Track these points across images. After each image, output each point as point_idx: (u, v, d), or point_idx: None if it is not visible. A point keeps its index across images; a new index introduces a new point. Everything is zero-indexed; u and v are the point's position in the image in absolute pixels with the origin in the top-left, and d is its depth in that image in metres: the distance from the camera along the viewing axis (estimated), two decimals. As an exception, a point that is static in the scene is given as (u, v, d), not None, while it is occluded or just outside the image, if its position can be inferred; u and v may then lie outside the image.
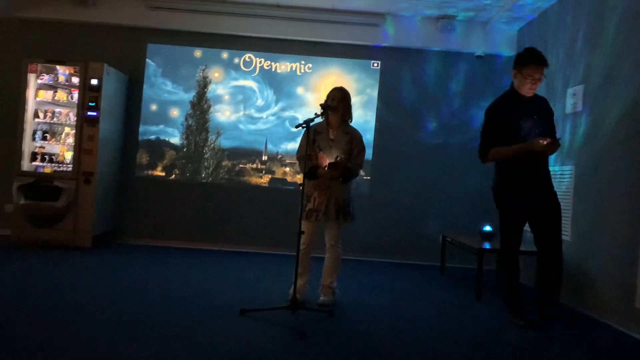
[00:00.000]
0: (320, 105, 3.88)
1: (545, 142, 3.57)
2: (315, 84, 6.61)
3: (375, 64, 6.61)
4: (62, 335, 2.92)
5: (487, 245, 4.82)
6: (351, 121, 4.12)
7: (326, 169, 3.87)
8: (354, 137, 4.04)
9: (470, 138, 6.51)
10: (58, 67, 5.92)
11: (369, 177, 6.52)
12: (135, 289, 4.11)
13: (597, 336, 3.69)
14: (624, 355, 3.32)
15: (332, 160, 3.90)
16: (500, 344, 3.38)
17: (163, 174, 6.60)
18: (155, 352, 2.76)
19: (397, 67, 6.58)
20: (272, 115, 6.63)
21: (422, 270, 5.95)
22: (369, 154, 6.12)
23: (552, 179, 3.88)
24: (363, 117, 6.46)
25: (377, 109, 6.59)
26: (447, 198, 6.51)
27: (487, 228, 5.36)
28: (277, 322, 3.44)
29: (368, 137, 6.37)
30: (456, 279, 5.56)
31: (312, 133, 3.96)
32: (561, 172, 4.95)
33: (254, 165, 6.64)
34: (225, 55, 6.62)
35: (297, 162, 4.13)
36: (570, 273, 4.47)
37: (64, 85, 5.95)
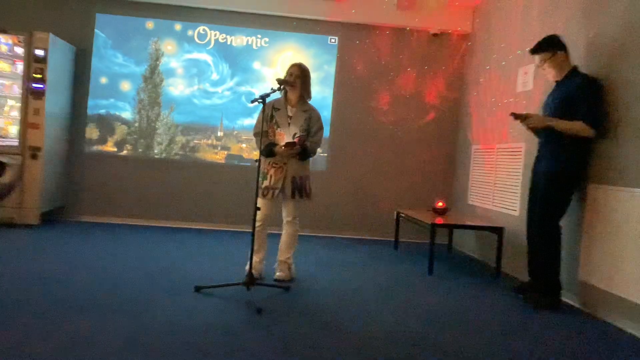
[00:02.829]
0: (277, 80, 3.86)
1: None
2: (272, 59, 6.54)
3: (333, 40, 6.59)
4: (7, 315, 2.85)
5: (439, 221, 4.95)
6: (310, 99, 4.11)
7: (283, 147, 3.87)
8: (313, 116, 4.04)
9: (423, 115, 6.64)
10: (0, 36, 5.63)
11: (325, 154, 6.55)
12: (85, 267, 4.03)
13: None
14: (569, 326, 3.50)
15: (290, 137, 3.90)
16: (450, 314, 3.51)
17: (114, 149, 6.43)
18: (107, 331, 2.72)
19: (354, 43, 6.58)
20: (228, 90, 6.54)
21: (376, 246, 6.06)
22: (326, 131, 6.11)
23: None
24: (321, 94, 6.45)
25: (335, 86, 6.59)
26: (401, 174, 6.62)
27: (440, 204, 5.50)
28: (233, 298, 3.46)
29: (325, 113, 6.38)
30: (409, 253, 5.70)
31: (269, 109, 3.95)
32: (513, 149, 5.12)
33: (209, 141, 6.56)
34: (178, 27, 6.45)
35: (254, 138, 4.10)
36: (519, 246, 4.65)
37: (7, 55, 5.66)
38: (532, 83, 4.84)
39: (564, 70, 3.84)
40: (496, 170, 5.44)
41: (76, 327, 2.74)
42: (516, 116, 3.86)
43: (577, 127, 3.64)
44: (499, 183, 5.36)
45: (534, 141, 4.19)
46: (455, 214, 5.85)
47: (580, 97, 3.66)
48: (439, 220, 5.01)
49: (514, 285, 4.17)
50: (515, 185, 4.90)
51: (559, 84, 3.88)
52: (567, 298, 4.02)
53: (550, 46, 3.84)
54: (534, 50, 3.90)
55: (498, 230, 4.82)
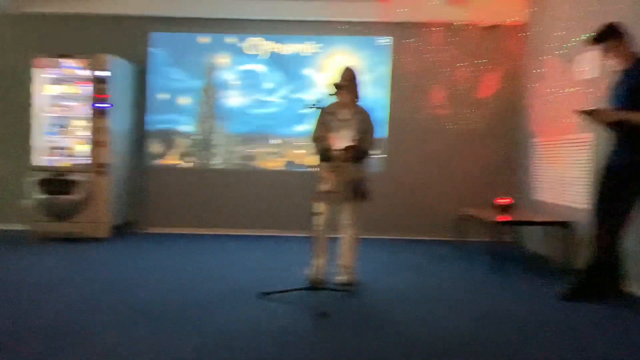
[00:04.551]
0: (334, 84, 3.91)
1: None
2: (323, 64, 6.59)
3: (384, 40, 6.57)
4: (91, 322, 3.00)
5: (504, 218, 4.83)
6: (359, 101, 4.12)
7: (341, 152, 3.88)
8: (365, 117, 4.05)
9: (481, 109, 6.50)
10: (65, 60, 5.96)
11: (385, 155, 6.52)
12: (156, 277, 4.19)
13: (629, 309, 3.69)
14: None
15: (345, 140, 3.92)
16: (526, 315, 3.41)
17: (176, 161, 6.65)
18: (179, 337, 2.82)
19: (406, 42, 6.52)
20: (282, 98, 6.64)
21: (439, 246, 5.98)
22: (383, 131, 6.11)
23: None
24: (376, 94, 6.44)
25: (390, 85, 6.56)
26: (460, 171, 6.50)
27: (504, 200, 5.36)
28: (299, 303, 3.51)
29: (381, 114, 6.36)
30: (473, 253, 5.58)
31: (324, 114, 3.98)
32: (580, 140, 4.94)
33: (266, 149, 6.67)
34: (230, 39, 6.62)
35: (312, 143, 4.14)
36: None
37: (72, 78, 5.99)
38: (597, 70, 4.64)
39: (628, 58, 3.66)
40: (562, 163, 5.25)
41: (145, 334, 2.86)
42: (582, 112, 3.71)
43: None
44: (565, 176, 5.16)
45: (603, 132, 4.02)
46: (520, 210, 5.69)
47: None
48: (502, 217, 4.89)
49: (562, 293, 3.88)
50: (584, 178, 4.71)
51: (625, 73, 3.68)
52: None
53: (610, 36, 3.66)
54: (595, 40, 3.73)
55: (567, 225, 4.65)
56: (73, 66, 5.97)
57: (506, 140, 6.48)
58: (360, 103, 4.13)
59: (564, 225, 4.68)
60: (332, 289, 3.84)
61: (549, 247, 5.40)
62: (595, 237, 3.75)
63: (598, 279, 3.73)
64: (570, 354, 2.73)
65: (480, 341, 2.89)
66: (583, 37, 4.76)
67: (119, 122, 6.07)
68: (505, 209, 5.32)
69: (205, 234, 6.38)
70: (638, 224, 3.73)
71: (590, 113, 3.69)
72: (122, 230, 6.24)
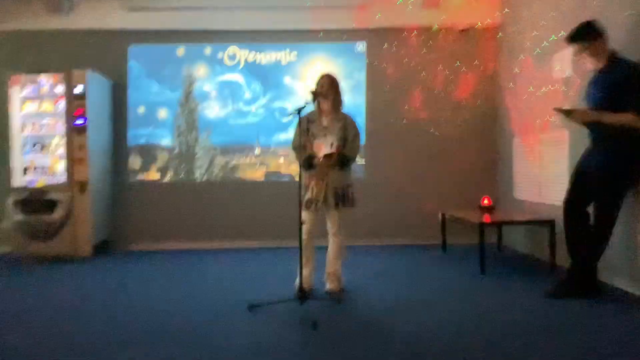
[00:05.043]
0: (311, 92, 3.91)
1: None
2: (302, 72, 6.60)
3: (360, 46, 6.60)
4: (76, 347, 2.95)
5: (487, 219, 4.86)
6: (342, 107, 4.13)
7: (322, 158, 3.89)
8: (347, 123, 4.05)
9: (460, 112, 6.56)
10: (41, 77, 5.88)
11: (363, 162, 6.53)
12: (141, 294, 4.14)
13: (613, 304, 3.73)
14: None
15: (328, 148, 3.92)
16: (514, 314, 3.44)
17: (157, 177, 6.59)
18: (166, 354, 2.78)
19: (382, 47, 6.57)
20: (261, 107, 6.62)
21: (424, 250, 6.00)
22: (362, 137, 6.07)
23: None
24: (352, 101, 6.44)
25: (366, 92, 6.60)
26: (443, 174, 6.54)
27: (486, 201, 5.41)
28: (287, 314, 3.48)
29: (359, 120, 6.33)
30: (459, 255, 5.62)
31: (304, 122, 3.97)
32: (557, 138, 5.01)
33: (248, 160, 6.64)
34: (208, 50, 6.59)
35: (293, 152, 4.14)
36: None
37: (49, 95, 5.91)
38: (570, 69, 4.72)
39: (603, 57, 3.68)
40: (541, 161, 5.32)
41: (135, 354, 2.81)
42: (559, 111, 3.76)
43: (628, 119, 3.46)
44: (545, 174, 5.23)
45: (579, 129, 4.08)
46: (503, 211, 5.74)
47: (629, 86, 3.48)
48: (487, 218, 4.93)
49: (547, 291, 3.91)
50: (563, 175, 4.77)
51: (601, 72, 3.71)
52: (630, 287, 3.87)
53: (587, 35, 3.66)
54: (571, 39, 3.77)
55: (549, 224, 4.70)
56: (50, 83, 5.89)
57: (487, 141, 6.55)
58: (343, 110, 4.15)
59: (546, 223, 4.73)
60: (320, 298, 3.82)
61: (533, 246, 5.46)
62: (572, 235, 3.81)
63: (582, 276, 3.77)
64: (569, 353, 2.75)
65: (475, 345, 2.89)
66: (559, 35, 4.84)
67: (97, 138, 5.99)
68: (489, 209, 5.37)
69: (189, 249, 6.31)
70: (624, 222, 3.78)
71: (567, 112, 3.73)
72: (104, 249, 6.15)
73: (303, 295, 3.60)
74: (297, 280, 3.79)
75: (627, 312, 3.41)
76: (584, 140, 3.92)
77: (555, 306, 3.57)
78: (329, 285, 4.06)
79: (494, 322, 3.28)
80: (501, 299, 3.83)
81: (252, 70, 6.61)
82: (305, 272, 3.92)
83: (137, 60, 6.55)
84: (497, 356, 2.72)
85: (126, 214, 6.49)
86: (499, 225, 5.64)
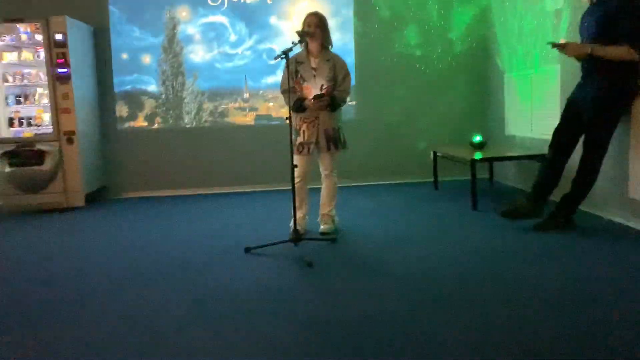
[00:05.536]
0: (297, 32, 3.84)
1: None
2: (288, 12, 6.43)
3: (347, -17, 6.43)
4: (81, 290, 3.01)
5: (478, 155, 4.91)
6: (331, 47, 4.07)
7: (312, 100, 3.86)
8: (337, 63, 4.00)
9: (451, 48, 6.48)
10: (18, 25, 5.70)
11: (354, 102, 6.49)
12: (137, 241, 4.19)
13: (594, 230, 3.84)
14: (624, 246, 3.48)
15: (317, 90, 3.90)
16: (502, 246, 3.53)
17: (145, 124, 6.53)
18: (165, 297, 2.86)
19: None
20: (248, 49, 6.50)
21: (416, 188, 6.08)
22: (352, 78, 6.05)
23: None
24: (341, 40, 6.35)
25: (355, 29, 6.48)
26: (434, 112, 6.54)
27: (477, 138, 5.43)
28: (283, 255, 3.56)
29: (349, 60, 6.27)
30: (451, 192, 5.70)
31: (293, 64, 3.92)
32: (547, 73, 4.98)
33: (237, 105, 6.58)
34: (190, -9, 6.39)
35: (282, 95, 4.11)
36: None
37: (28, 44, 5.76)
38: (562, 1, 4.64)
39: None
40: (532, 96, 5.31)
41: (137, 297, 2.89)
42: (554, 45, 3.72)
43: (621, 52, 3.44)
44: (536, 109, 5.24)
45: (570, 63, 4.06)
46: (494, 147, 5.77)
47: (622, 18, 3.43)
48: (478, 154, 4.97)
49: (502, 210, 4.05)
50: (554, 110, 4.78)
51: (595, 3, 3.65)
52: (617, 217, 3.97)
53: None
54: None
55: (539, 158, 4.74)
56: (28, 31, 5.73)
57: (478, 77, 6.51)
58: (332, 50, 4.09)
59: (537, 157, 4.78)
60: (314, 239, 3.90)
61: (525, 180, 5.53)
62: (553, 166, 3.85)
63: (569, 210, 3.86)
64: (558, 277, 2.85)
65: (474, 273, 3.01)
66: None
67: (82, 86, 5.88)
68: (480, 146, 5.40)
69: (181, 195, 6.35)
70: (615, 152, 3.83)
71: (561, 46, 3.70)
72: (97, 198, 6.17)
73: (298, 236, 3.66)
74: (292, 223, 3.85)
75: (613, 242, 3.51)
76: (576, 74, 3.90)
77: (543, 238, 3.67)
78: (323, 226, 4.13)
79: (485, 253, 3.38)
80: (491, 233, 3.92)
81: (237, 10, 6.43)
82: (299, 214, 3.97)
83: (116, 5, 6.34)
84: (489, 283, 2.82)
85: (117, 163, 6.47)
86: (490, 161, 5.69)
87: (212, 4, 6.41)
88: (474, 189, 4.73)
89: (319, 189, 4.21)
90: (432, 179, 6.00)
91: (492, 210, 4.57)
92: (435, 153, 5.87)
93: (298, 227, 3.76)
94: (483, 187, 5.63)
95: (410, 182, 6.45)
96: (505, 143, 5.95)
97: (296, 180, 3.84)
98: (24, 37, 5.74)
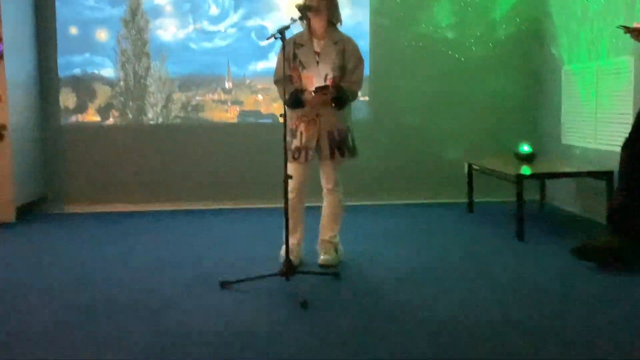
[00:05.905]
0: (296, 6, 3.83)
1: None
2: (286, -20, 6.48)
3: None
4: (18, 326, 2.98)
5: (526, 170, 4.89)
6: (340, 25, 4.07)
7: (313, 93, 3.86)
8: (347, 46, 4.00)
9: (494, 32, 6.49)
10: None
11: (367, 98, 6.50)
12: (81, 271, 4.13)
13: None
14: None
15: (321, 80, 3.89)
16: (560, 291, 3.49)
17: (97, 118, 6.54)
18: (115, 337, 2.83)
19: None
20: (233, 26, 6.52)
21: (445, 210, 6.06)
22: (365, 67, 6.04)
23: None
24: (353, 18, 6.37)
25: (371, 4, 6.50)
26: (470, 113, 6.53)
27: (525, 148, 5.42)
28: (270, 292, 3.51)
29: (362, 43, 6.28)
30: (490, 216, 5.67)
31: (291, 46, 3.91)
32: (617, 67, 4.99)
33: (216, 96, 6.59)
34: (160, -50, 6.44)
35: (275, 86, 4.10)
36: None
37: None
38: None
39: None
40: (597, 96, 5.31)
41: (86, 333, 2.85)
42: (627, 30, 3.72)
43: None
44: (602, 113, 5.23)
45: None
46: (547, 160, 5.76)
47: None
48: (526, 169, 4.96)
49: (576, 247, 3.99)
50: (626, 114, 4.77)
51: None
52: None
53: None
54: None
55: (606, 176, 4.73)
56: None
57: (528, 70, 6.52)
58: (341, 28, 4.09)
59: (602, 175, 4.76)
60: (312, 272, 3.87)
61: (586, 204, 5.51)
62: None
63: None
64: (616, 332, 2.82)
65: (512, 322, 2.96)
66: None
67: (17, 68, 5.88)
68: (529, 158, 5.38)
69: (141, 211, 6.31)
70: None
71: (635, 31, 3.70)
72: (32, 212, 6.15)
73: (290, 268, 3.62)
74: (282, 250, 3.82)
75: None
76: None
77: (608, 279, 3.64)
78: (323, 256, 4.10)
79: (538, 299, 3.33)
80: (544, 272, 3.88)
81: (220, -24, 6.48)
82: (292, 239, 3.93)
83: (66, -37, 6.39)
84: (540, 342, 2.78)
85: (60, 167, 6.45)
86: (541, 178, 5.67)
87: (188, -33, 6.45)
88: (520, 213, 4.70)
89: (318, 208, 4.18)
90: (465, 200, 5.98)
91: (544, 241, 4.54)
92: (470, 166, 5.85)
93: (291, 257, 3.72)
94: (531, 211, 5.60)
95: (438, 202, 6.42)
96: (561, 155, 5.94)
97: (290, 195, 3.81)
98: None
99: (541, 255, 4.28)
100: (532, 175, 4.95)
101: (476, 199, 5.98)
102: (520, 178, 4.72)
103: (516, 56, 6.51)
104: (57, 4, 6.38)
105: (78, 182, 6.46)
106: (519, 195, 4.69)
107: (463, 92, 6.54)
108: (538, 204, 6.03)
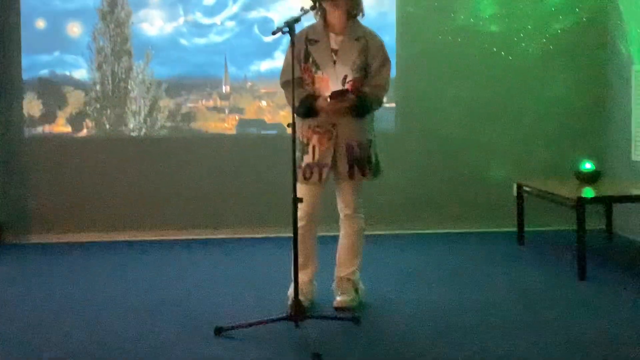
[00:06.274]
0: (314, -6, 3.88)
1: None
2: (295, -38, 6.54)
3: None
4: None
5: (589, 193, 4.87)
6: (363, 17, 4.10)
7: (328, 99, 3.88)
8: (371, 43, 4.02)
9: (549, 24, 6.50)
10: None
11: (393, 104, 6.51)
12: (44, 312, 4.15)
13: None
14: None
15: (339, 83, 3.90)
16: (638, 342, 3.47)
17: (68, 129, 6.58)
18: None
19: None
20: (231, 19, 6.57)
21: (489, 241, 6.04)
22: (392, 67, 6.09)
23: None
24: (376, 9, 6.41)
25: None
26: (518, 123, 6.53)
27: (588, 166, 5.40)
28: (276, 341, 3.52)
29: (387, 39, 6.30)
30: (545, 248, 5.66)
31: (302, 42, 3.94)
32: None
33: (211, 103, 6.63)
34: None
35: (283, 90, 4.12)
36: None
37: None
38: None
39: None
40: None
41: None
42: None
43: None
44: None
45: None
46: (615, 180, 5.73)
47: None
48: (589, 192, 4.94)
49: None
50: None
51: None
52: None
53: None
54: None
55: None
56: None
57: (589, 70, 6.51)
58: (363, 21, 4.11)
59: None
60: (326, 317, 3.87)
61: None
62: None
63: None
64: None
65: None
66: None
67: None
68: (592, 178, 5.36)
69: (120, 241, 6.33)
70: None
71: None
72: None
73: (300, 311, 3.62)
74: (291, 290, 3.82)
75: None
76: None
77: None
78: (340, 297, 4.09)
79: (595, 347, 3.32)
80: (612, 322, 3.85)
81: (216, -42, 6.55)
82: (302, 276, 3.92)
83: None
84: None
85: (22, 189, 6.49)
86: (608, 202, 5.65)
87: (178, -53, 6.53)
88: (581, 245, 4.67)
89: (334, 238, 4.19)
90: (514, 229, 5.95)
91: (612, 280, 4.52)
92: (520, 187, 5.83)
93: (300, 297, 3.72)
94: (596, 243, 5.57)
95: (480, 231, 6.40)
96: (631, 174, 5.92)
97: (300, 222, 3.82)
98: None
99: (608, 300, 4.25)
100: (596, 199, 4.94)
101: (528, 228, 5.94)
102: (581, 202, 4.70)
103: (576, 54, 6.51)
104: (22, -8, 6.48)
105: (44, 206, 6.47)
106: (580, 224, 4.67)
107: (511, 98, 6.55)
108: (604, 234, 5.99)
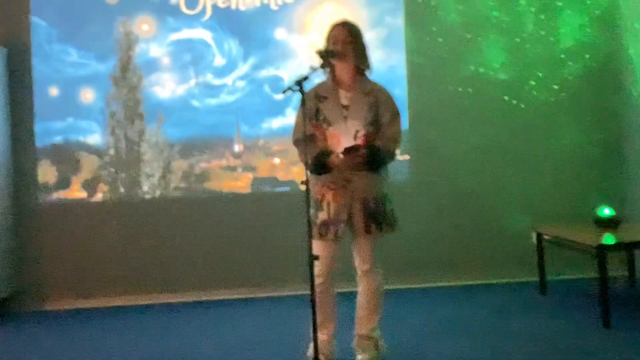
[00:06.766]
0: (317, 52, 3.91)
1: None
2: (304, 22, 6.59)
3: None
4: None
5: (610, 239, 4.82)
6: (370, 72, 4.12)
7: (341, 155, 3.88)
8: (380, 97, 4.04)
9: (558, 71, 6.51)
10: None
11: (407, 157, 6.50)
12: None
13: None
14: None
15: (350, 139, 3.90)
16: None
17: (83, 194, 6.61)
18: None
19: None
20: (242, 78, 6.63)
21: (511, 292, 5.99)
22: (403, 119, 6.09)
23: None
24: (386, 62, 6.45)
25: (407, 44, 6.59)
26: (534, 171, 6.52)
27: (607, 212, 5.37)
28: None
29: (397, 92, 6.34)
30: (568, 297, 5.60)
31: (312, 99, 3.96)
32: None
33: (223, 162, 6.64)
34: (154, -6, 6.63)
35: (296, 147, 4.13)
36: None
37: None
38: None
39: None
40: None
41: None
42: None
43: None
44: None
45: None
46: (634, 225, 5.68)
47: None
48: (609, 238, 4.90)
49: None
50: None
51: None
52: None
53: None
54: None
55: None
56: None
57: (603, 115, 6.50)
58: (371, 76, 4.13)
59: None
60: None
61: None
62: None
63: None
64: None
65: None
66: None
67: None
68: (610, 224, 5.32)
69: (137, 306, 6.30)
70: None
71: None
72: (4, 310, 6.17)
73: (321, 372, 3.58)
74: (310, 350, 3.78)
75: None
76: None
77: None
78: (360, 355, 4.04)
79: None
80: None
81: (225, 21, 6.62)
82: (321, 336, 3.89)
83: (42, 14, 6.58)
84: None
85: (36, 255, 6.49)
86: (629, 248, 5.58)
87: (187, 11, 6.61)
88: (604, 292, 4.62)
89: (352, 294, 4.15)
90: (536, 278, 5.89)
91: (638, 327, 4.45)
92: (540, 235, 5.79)
93: (321, 358, 3.68)
94: (619, 290, 5.50)
95: (501, 282, 6.35)
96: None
97: (317, 280, 3.79)
98: None
99: (635, 348, 4.19)
100: (617, 246, 4.89)
101: (549, 277, 5.88)
102: (602, 249, 4.67)
103: (588, 100, 6.51)
104: (34, 60, 6.55)
105: (59, 272, 6.47)
106: (602, 271, 4.63)
107: (525, 146, 6.53)
108: (626, 281, 5.91)
